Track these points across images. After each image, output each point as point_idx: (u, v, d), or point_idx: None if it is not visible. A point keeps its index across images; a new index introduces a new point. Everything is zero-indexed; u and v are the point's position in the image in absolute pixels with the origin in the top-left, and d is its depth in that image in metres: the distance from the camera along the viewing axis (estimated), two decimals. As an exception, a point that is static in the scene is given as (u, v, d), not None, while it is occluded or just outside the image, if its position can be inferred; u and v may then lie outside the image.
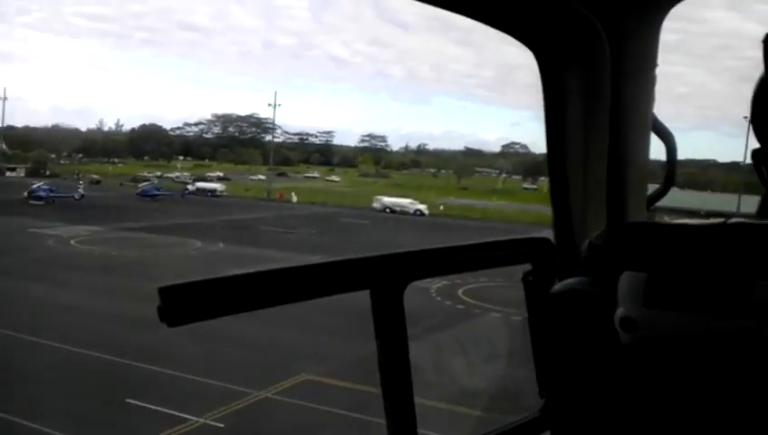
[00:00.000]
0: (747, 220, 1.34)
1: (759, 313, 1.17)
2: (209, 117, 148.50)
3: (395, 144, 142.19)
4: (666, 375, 1.32)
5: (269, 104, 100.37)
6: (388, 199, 75.42)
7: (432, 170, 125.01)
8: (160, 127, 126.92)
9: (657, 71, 2.13)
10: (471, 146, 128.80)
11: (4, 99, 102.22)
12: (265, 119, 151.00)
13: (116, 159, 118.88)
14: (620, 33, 2.03)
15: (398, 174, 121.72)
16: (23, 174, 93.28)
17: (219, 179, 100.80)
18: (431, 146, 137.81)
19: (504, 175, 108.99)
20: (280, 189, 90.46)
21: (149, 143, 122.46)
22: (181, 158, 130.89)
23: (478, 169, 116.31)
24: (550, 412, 1.91)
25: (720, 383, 1.28)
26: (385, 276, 1.70)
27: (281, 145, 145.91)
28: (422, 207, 74.07)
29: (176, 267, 37.45)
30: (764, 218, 1.47)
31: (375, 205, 75.02)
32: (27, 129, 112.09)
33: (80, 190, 67.02)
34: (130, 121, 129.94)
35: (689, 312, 1.24)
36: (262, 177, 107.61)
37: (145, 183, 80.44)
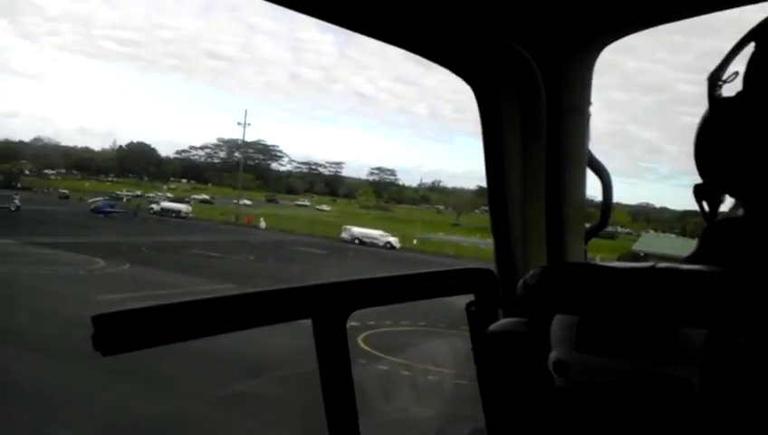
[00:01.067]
0: (676, 265, 1.38)
1: (684, 360, 1.22)
2: (215, 141, 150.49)
3: (416, 180, 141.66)
4: (598, 420, 1.37)
5: (238, 123, 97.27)
6: (357, 230, 70.86)
7: (440, 207, 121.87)
8: (149, 146, 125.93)
9: (591, 109, 2.15)
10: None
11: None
12: (272, 146, 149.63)
13: (111, 178, 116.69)
14: (555, 72, 2.07)
15: (401, 208, 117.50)
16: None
17: (202, 202, 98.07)
18: (449, 184, 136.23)
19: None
20: (249, 214, 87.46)
21: (137, 163, 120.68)
22: (184, 181, 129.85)
23: (486, 207, 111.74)
24: None
25: (647, 431, 1.33)
26: (327, 306, 1.71)
27: (289, 174, 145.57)
28: (393, 239, 68.67)
29: (43, 289, 31.74)
30: (694, 262, 1.43)
31: (344, 235, 70.96)
32: (6, 142, 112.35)
33: (15, 202, 63.31)
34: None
35: (618, 357, 1.28)
36: (248, 202, 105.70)
37: (98, 199, 75.95)
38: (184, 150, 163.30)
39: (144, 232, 59.58)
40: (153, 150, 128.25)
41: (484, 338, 1.55)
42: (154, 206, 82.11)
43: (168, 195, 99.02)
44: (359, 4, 1.75)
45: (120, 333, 1.36)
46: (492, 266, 2.24)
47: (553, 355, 1.32)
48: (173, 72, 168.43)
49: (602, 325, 1.28)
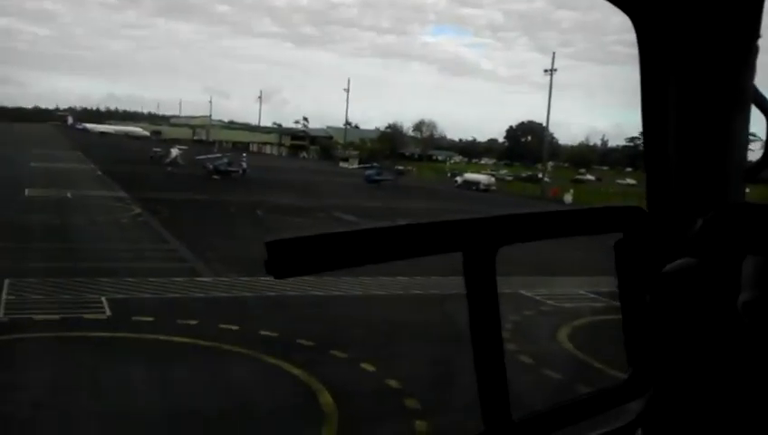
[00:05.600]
0: None
1: None
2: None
3: None
4: None
5: (545, 70, 78.35)
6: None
7: None
8: (540, 125, 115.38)
9: (760, 42, 2.08)
10: None
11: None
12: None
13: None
14: (723, 2, 2.00)
15: None
16: (355, 164, 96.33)
17: (574, 181, 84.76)
18: None
19: None
20: (556, 187, 72.99)
21: (521, 146, 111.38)
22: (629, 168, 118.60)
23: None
24: (639, 381, 1.95)
25: None
26: (478, 240, 1.70)
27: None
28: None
29: None
30: None
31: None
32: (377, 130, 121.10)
33: (243, 165, 62.62)
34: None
35: None
36: (632, 181, 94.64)
37: (369, 169, 69.28)
38: (635, 137, 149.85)
39: (349, 195, 50.14)
40: (543, 128, 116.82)
41: (659, 278, 1.59)
42: (458, 178, 74.21)
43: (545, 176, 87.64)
44: None
45: (290, 258, 1.43)
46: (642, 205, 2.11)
47: (744, 296, 1.31)
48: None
49: None
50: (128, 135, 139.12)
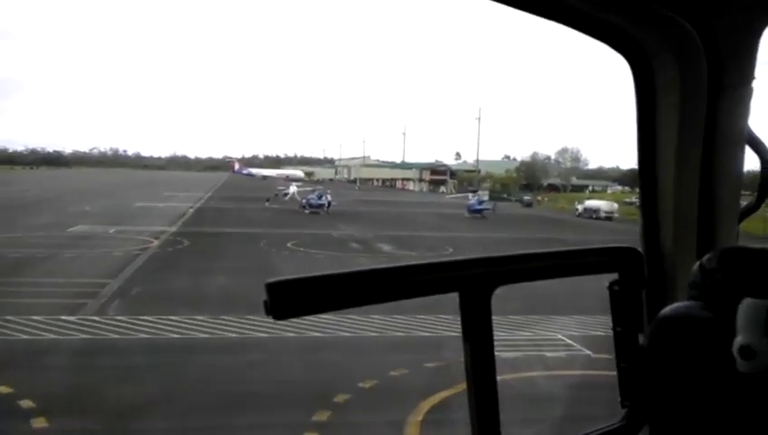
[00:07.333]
0: None
1: None
2: None
3: None
4: None
5: None
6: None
7: None
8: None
9: (754, 84, 2.09)
10: None
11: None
12: None
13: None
14: (719, 45, 2.01)
15: None
16: (451, 190, 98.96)
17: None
18: None
19: None
20: None
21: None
22: None
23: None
24: (634, 422, 1.95)
25: None
26: (474, 280, 1.74)
27: None
28: None
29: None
30: None
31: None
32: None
33: (328, 198, 60.35)
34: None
35: None
36: None
37: (471, 199, 64.05)
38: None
39: (424, 227, 45.87)
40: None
41: (655, 322, 1.59)
42: (579, 206, 69.05)
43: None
44: None
45: (289, 299, 1.42)
46: (637, 246, 2.08)
47: (740, 340, 1.30)
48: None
49: None
50: (287, 177, 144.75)
